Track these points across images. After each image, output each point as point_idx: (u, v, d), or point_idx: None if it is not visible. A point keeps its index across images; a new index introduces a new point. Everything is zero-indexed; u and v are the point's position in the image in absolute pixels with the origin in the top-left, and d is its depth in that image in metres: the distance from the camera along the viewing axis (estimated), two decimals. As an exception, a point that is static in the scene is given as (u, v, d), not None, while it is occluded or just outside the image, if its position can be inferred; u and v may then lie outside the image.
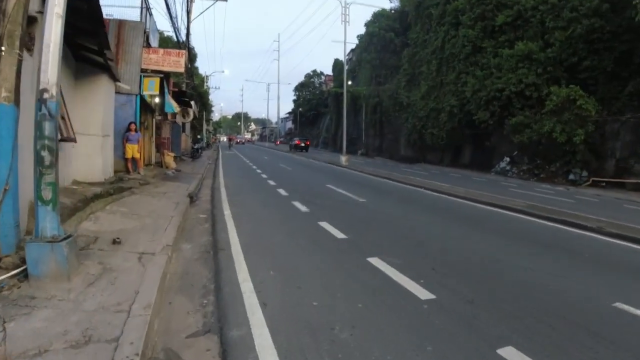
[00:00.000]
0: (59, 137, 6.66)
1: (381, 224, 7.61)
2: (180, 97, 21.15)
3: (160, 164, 16.92)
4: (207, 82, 51.85)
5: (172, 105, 14.13)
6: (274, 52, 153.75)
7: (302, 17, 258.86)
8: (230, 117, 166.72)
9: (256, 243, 5.79)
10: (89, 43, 7.86)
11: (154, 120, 16.62)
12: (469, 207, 10.65)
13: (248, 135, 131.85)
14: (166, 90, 13.58)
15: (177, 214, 7.28)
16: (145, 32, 13.27)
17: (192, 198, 10.04)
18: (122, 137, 12.01)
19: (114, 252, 5.05)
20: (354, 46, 59.09)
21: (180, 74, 30.86)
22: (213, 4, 34.25)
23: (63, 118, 7.02)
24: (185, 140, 30.69)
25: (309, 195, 11.46)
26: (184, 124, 28.72)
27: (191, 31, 32.90)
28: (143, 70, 12.59)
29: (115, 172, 11.95)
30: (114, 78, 10.46)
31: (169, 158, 17.16)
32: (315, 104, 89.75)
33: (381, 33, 45.43)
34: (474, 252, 5.85)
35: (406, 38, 43.45)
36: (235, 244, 5.66)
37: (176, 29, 16.45)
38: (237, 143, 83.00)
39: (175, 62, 12.79)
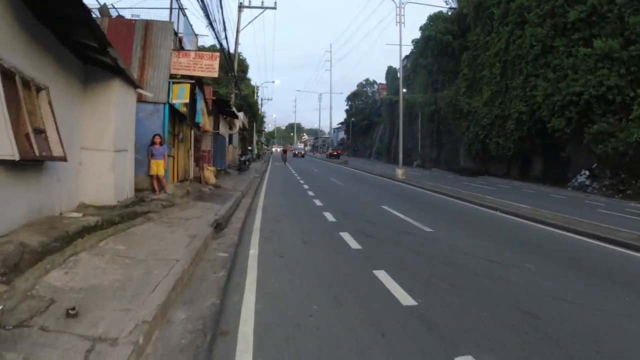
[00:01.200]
0: (34, 155, 5.12)
1: (462, 276, 5.34)
2: (225, 108, 19.86)
3: (199, 179, 15.51)
4: (257, 93, 51.19)
5: (201, 116, 12.58)
6: (326, 62, 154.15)
7: (354, 25, 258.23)
8: (283, 128, 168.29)
9: (279, 320, 3.75)
10: (87, 39, 6.32)
11: (192, 131, 15.23)
12: (570, 242, 8.18)
13: (301, 146, 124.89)
14: (198, 98, 12.07)
15: (186, 256, 5.48)
16: (176, 34, 11.89)
17: (220, 225, 8.30)
18: (147, 151, 10.56)
19: (58, 335, 3.25)
20: (408, 52, 56.58)
21: (223, 82, 29.86)
22: (262, 12, 33.49)
23: (42, 132, 5.45)
24: (233, 152, 29.59)
25: (361, 221, 9.43)
26: (230, 135, 27.59)
27: (242, 42, 32.05)
28: (172, 76, 11.14)
29: (141, 190, 10.51)
30: (133, 84, 8.98)
31: (209, 172, 15.71)
32: (368, 113, 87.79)
33: (438, 36, 42.75)
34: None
35: (465, 41, 40.67)
36: (247, 322, 3.66)
37: (216, 32, 15.03)
38: (294, 155, 71.56)
39: (207, 67, 11.25)
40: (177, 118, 12.71)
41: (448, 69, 43.67)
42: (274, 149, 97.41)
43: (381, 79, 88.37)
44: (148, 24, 10.82)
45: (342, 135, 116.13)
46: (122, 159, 8.60)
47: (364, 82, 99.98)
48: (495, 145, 32.41)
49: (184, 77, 11.23)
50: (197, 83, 11.70)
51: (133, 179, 9.43)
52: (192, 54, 11.44)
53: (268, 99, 63.44)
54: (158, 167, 10.51)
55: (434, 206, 13.09)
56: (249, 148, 43.15)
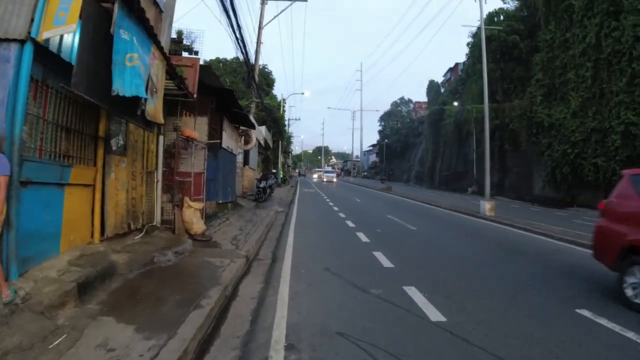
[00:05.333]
0: None
1: None
2: (231, 107, 12.81)
3: (172, 226, 8.36)
4: (284, 105, 44.27)
5: (143, 84, 5.16)
6: (356, 81, 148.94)
7: (386, 43, 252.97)
8: (310, 151, 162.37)
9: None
10: None
11: (156, 137, 8.19)
12: None
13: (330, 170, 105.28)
14: (127, 38, 4.79)
15: None
16: None
17: None
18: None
19: None
20: (450, 65, 49.02)
21: (245, 95, 23.21)
22: (290, 4, 27.20)
23: None
24: (251, 176, 22.53)
25: None
26: (246, 152, 20.57)
27: (267, 58, 25.58)
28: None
29: None
30: None
31: (191, 213, 8.55)
32: (405, 133, 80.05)
33: (501, 36, 35.17)
34: None
35: (535, 40, 33.23)
36: None
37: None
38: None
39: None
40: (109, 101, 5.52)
41: (514, 76, 36.03)
42: (315, 175, 77.69)
43: (417, 97, 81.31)
44: None
45: (373, 158, 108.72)
46: None
47: (398, 101, 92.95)
48: (593, 168, 24.59)
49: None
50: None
51: None
52: None
53: (296, 119, 56.69)
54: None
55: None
56: (273, 171, 36.04)
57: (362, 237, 10.00)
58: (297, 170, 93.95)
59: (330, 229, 11.73)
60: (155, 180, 8.32)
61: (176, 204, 8.60)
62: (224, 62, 39.87)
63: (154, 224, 8.20)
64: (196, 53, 9.43)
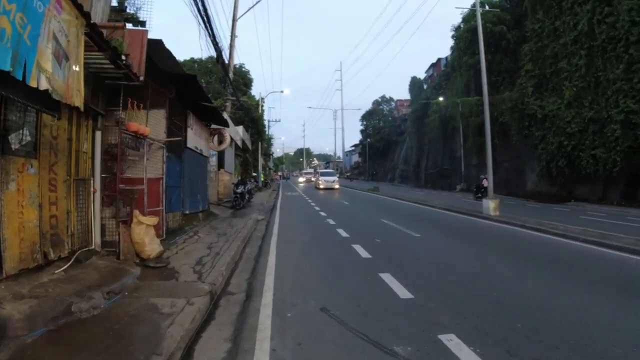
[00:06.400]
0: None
1: None
2: (197, 100, 10.84)
3: (116, 249, 6.39)
4: (262, 105, 42.15)
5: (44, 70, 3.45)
6: (336, 81, 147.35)
7: (365, 42, 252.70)
8: (292, 153, 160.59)
9: None
10: None
11: (89, 129, 6.24)
12: None
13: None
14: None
15: None
16: None
17: None
18: None
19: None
20: (434, 58, 47.69)
21: (221, 94, 21.62)
22: (266, -5, 25.51)
23: None
24: (227, 181, 20.49)
25: None
26: (221, 155, 18.56)
27: (243, 57, 23.71)
28: None
29: None
30: None
31: (142, 230, 6.59)
32: (388, 132, 78.63)
33: (488, 27, 33.92)
34: None
35: (522, 30, 32.18)
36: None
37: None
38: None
39: None
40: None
41: (502, 68, 34.80)
42: (302, 179, 65.86)
43: (398, 95, 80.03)
44: None
45: (355, 158, 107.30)
46: None
47: (379, 99, 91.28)
48: (591, 160, 23.35)
49: None
50: None
51: None
52: None
53: (276, 121, 54.40)
54: None
55: None
56: (254, 174, 33.89)
57: (361, 251, 8.14)
58: (279, 173, 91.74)
59: (321, 241, 9.83)
60: (92, 190, 6.34)
61: (122, 220, 6.62)
62: (198, 62, 37.85)
63: (92, 247, 6.22)
64: (143, 24, 7.53)
